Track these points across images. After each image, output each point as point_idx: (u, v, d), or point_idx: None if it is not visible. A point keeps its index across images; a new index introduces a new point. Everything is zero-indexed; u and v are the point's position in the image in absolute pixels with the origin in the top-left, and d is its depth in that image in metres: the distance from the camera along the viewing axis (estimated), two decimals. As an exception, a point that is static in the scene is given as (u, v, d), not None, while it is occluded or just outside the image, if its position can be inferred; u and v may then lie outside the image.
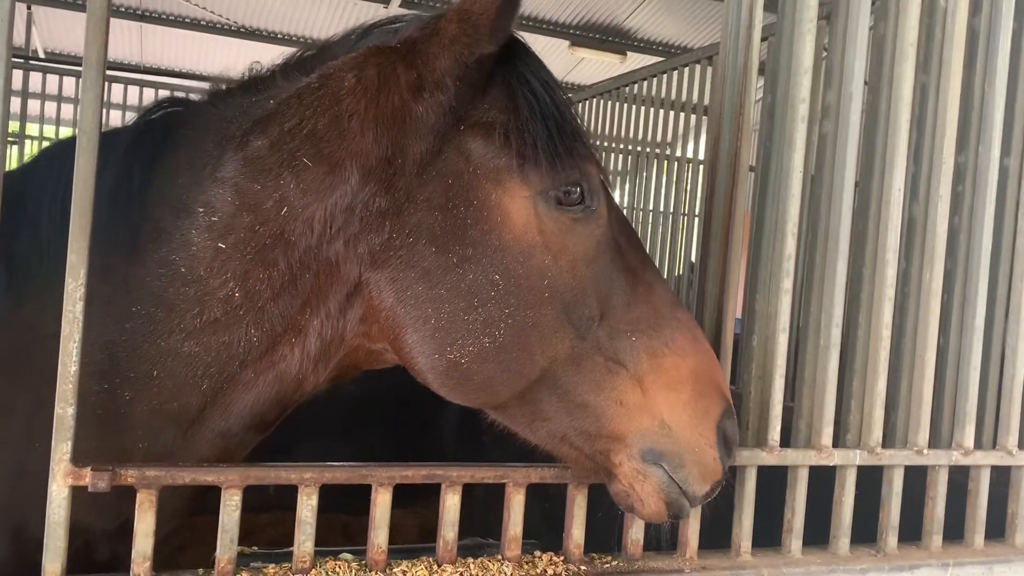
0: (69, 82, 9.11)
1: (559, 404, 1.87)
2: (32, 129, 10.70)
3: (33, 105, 9.62)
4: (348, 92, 1.88)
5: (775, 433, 2.25)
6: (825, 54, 2.43)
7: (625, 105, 6.80)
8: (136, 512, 1.76)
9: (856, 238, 2.41)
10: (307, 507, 1.88)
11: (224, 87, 2.12)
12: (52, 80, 9.10)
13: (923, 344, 2.43)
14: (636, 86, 6.71)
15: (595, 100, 7.27)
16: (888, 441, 2.46)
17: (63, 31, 14.00)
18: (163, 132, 2.05)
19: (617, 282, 1.90)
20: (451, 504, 1.99)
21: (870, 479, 2.44)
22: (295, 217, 1.87)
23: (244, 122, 1.96)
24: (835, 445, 2.35)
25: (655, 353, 1.86)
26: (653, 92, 6.46)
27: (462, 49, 1.81)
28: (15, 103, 8.84)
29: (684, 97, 6.22)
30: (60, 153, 2.14)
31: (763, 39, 2.37)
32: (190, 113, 2.09)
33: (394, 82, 1.87)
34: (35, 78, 9.22)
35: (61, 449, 1.70)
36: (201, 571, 1.84)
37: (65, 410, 1.70)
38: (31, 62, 10.54)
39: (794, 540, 2.31)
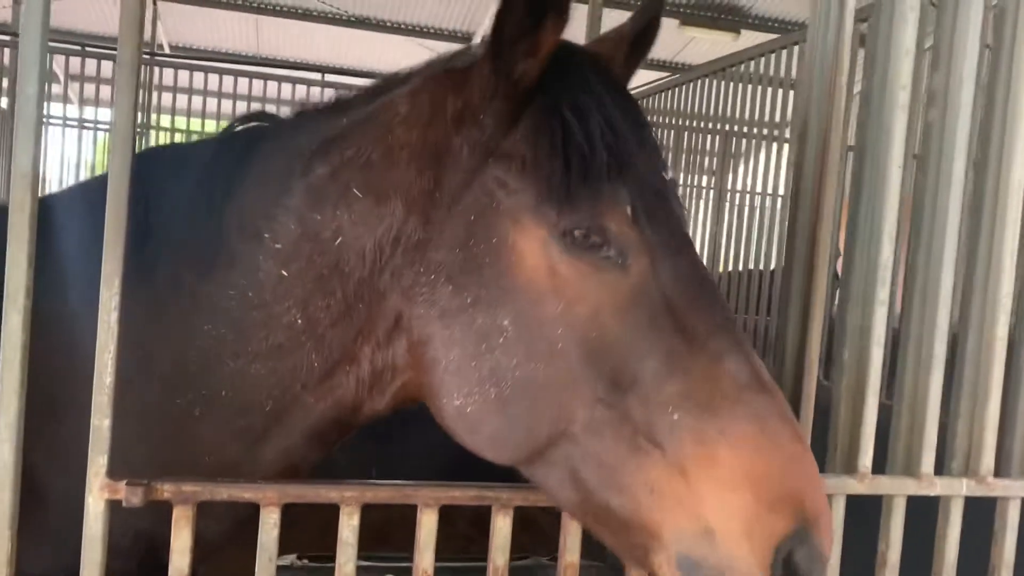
0: (198, 76, 9.45)
1: (583, 477, 1.63)
2: (162, 121, 11.14)
3: (160, 98, 10.03)
4: (401, 122, 1.84)
5: (867, 458, 2.02)
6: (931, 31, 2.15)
7: (733, 85, 6.47)
8: (172, 528, 1.71)
9: (966, 240, 2.14)
10: (348, 527, 1.80)
11: (311, 107, 2.11)
12: (172, 72, 9.46)
13: (1045, 362, 2.14)
14: (746, 65, 6.37)
15: (703, 80, 6.95)
16: (1002, 469, 2.18)
17: (186, 25, 14.58)
18: (245, 148, 2.04)
19: (659, 346, 1.60)
20: (501, 527, 1.87)
21: (977, 508, 2.18)
22: (349, 248, 1.83)
23: (313, 146, 1.93)
24: (938, 472, 2.09)
25: (704, 439, 1.54)
26: (762, 70, 6.11)
27: (488, 76, 1.72)
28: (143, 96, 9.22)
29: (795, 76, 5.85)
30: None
31: (863, 20, 2.11)
32: (273, 131, 2.08)
33: (441, 113, 1.80)
34: (164, 73, 9.61)
35: (97, 462, 1.67)
36: (241, 589, 1.79)
37: (101, 422, 1.67)
38: (157, 57, 11.00)
39: (888, 574, 2.08)
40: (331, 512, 1.81)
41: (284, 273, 1.87)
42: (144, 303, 1.89)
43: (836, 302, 2.19)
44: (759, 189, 6.20)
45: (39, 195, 1.69)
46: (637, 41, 2.01)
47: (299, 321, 1.86)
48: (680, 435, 1.54)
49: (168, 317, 1.94)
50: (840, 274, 2.18)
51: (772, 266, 5.79)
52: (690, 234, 1.81)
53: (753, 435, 1.54)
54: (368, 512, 1.88)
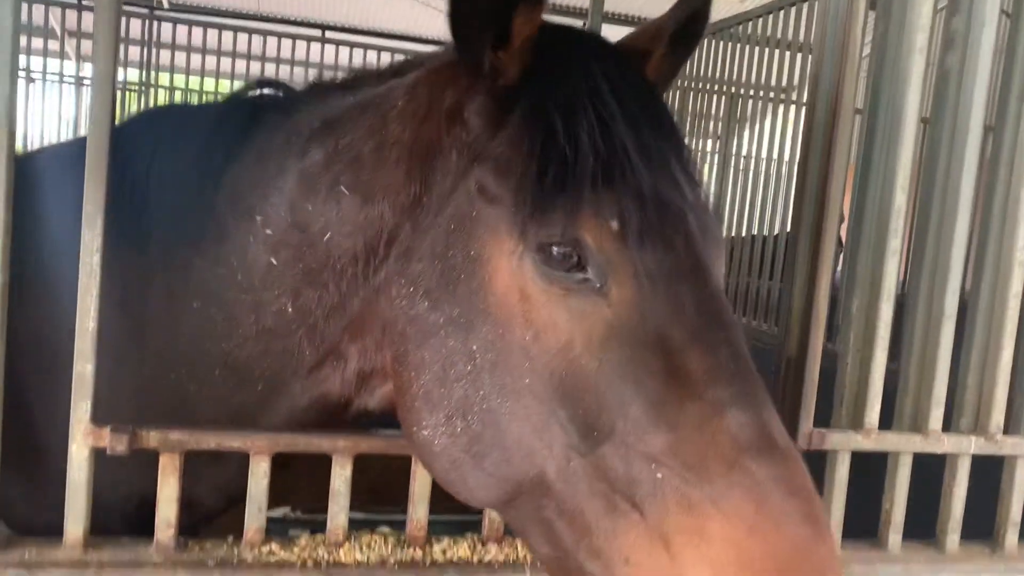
0: (198, 32, 9.30)
1: (557, 534, 1.41)
2: (162, 79, 10.98)
3: (159, 55, 9.88)
4: (397, 116, 1.69)
5: (873, 414, 1.97)
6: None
7: (739, 46, 6.33)
8: (159, 477, 1.67)
9: (981, 192, 2.07)
10: (341, 477, 1.76)
11: (326, 79, 1.97)
12: (171, 28, 9.31)
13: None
14: (752, 24, 6.24)
15: (709, 41, 6.81)
16: (1011, 427, 2.13)
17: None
18: (249, 117, 1.91)
19: (642, 391, 1.33)
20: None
21: (984, 467, 2.13)
22: (338, 246, 1.71)
23: (314, 125, 1.80)
24: (945, 429, 2.04)
25: (691, 507, 1.26)
26: (769, 31, 5.98)
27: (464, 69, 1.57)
28: (135, 52, 9.09)
29: (803, 38, 5.72)
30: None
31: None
32: (280, 102, 1.95)
33: (437, 109, 1.63)
34: (164, 29, 9.45)
35: (81, 408, 1.62)
36: (230, 539, 1.74)
37: (84, 367, 1.62)
38: (156, 12, 10.82)
39: (892, 534, 2.04)
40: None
41: (273, 262, 1.75)
42: (138, 273, 1.83)
43: (839, 267, 2.12)
44: (765, 153, 6.10)
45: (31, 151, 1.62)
46: (679, 35, 1.74)
47: (289, 310, 1.75)
48: (663, 498, 1.28)
49: (160, 289, 1.85)
50: (844, 240, 2.11)
51: (776, 231, 5.71)
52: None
53: (750, 511, 1.24)
54: (366, 465, 1.84)
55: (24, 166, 1.74)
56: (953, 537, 2.09)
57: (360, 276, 1.69)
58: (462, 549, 1.82)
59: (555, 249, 1.39)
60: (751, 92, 6.29)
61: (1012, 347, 2.04)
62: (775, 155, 5.82)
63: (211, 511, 2.00)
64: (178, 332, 1.84)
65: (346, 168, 1.70)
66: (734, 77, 6.28)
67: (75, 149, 1.79)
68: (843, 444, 1.97)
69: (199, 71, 9.34)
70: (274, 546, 1.73)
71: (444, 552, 1.81)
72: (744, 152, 6.30)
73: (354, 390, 1.79)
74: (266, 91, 2.01)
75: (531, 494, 1.43)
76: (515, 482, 1.43)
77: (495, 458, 1.45)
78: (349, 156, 1.70)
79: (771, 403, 1.37)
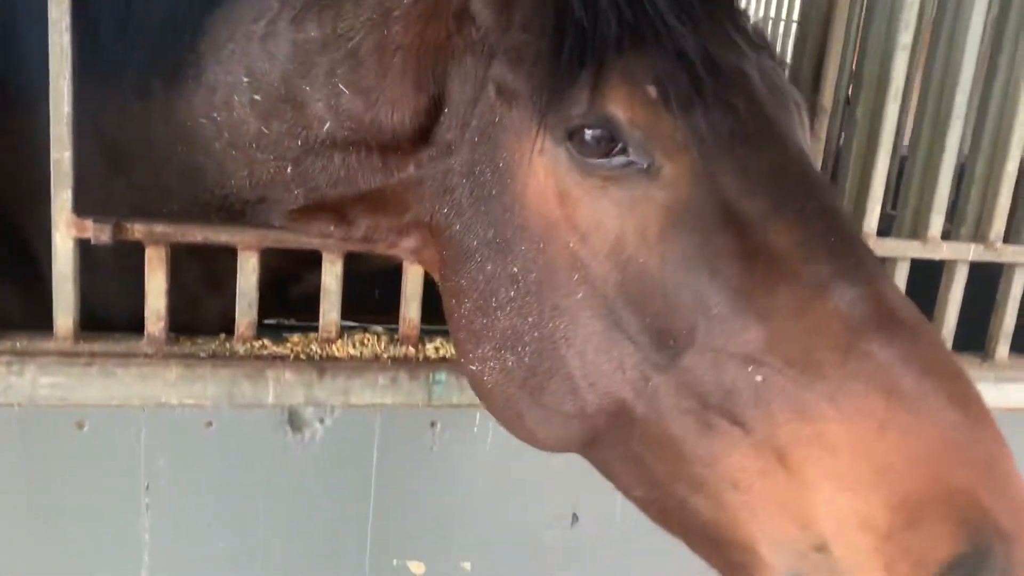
0: None
1: (649, 467, 1.23)
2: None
3: None
4: (401, 16, 1.43)
5: (873, 219, 1.93)
6: None
7: None
8: (146, 270, 1.64)
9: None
10: (331, 274, 1.73)
11: None
12: None
13: (1071, 121, 2.01)
14: None
15: None
16: (1012, 236, 2.10)
17: None
18: None
19: (722, 280, 1.13)
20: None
21: (983, 276, 2.12)
22: (343, 139, 1.53)
23: None
24: (946, 237, 2.01)
25: (805, 411, 1.06)
26: None
27: None
28: None
29: None
30: None
31: None
32: None
33: (445, 5, 1.40)
34: None
35: (61, 198, 1.57)
36: (222, 335, 1.74)
37: (62, 154, 1.56)
38: None
39: (885, 341, 2.04)
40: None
41: (265, 131, 1.58)
42: (114, 100, 1.73)
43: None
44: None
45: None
46: None
47: (288, 171, 1.59)
48: (767, 405, 1.08)
49: (141, 124, 1.73)
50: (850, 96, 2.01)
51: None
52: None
53: (879, 404, 1.02)
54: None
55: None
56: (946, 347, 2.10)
57: (377, 164, 1.52)
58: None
59: (587, 133, 1.21)
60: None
61: (1020, 150, 1.98)
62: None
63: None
64: (165, 170, 1.74)
65: (343, 62, 1.49)
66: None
67: None
68: (841, 249, 1.94)
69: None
70: (266, 341, 1.73)
71: (437, 350, 1.81)
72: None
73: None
74: None
75: (609, 429, 1.26)
76: (585, 417, 1.26)
77: (556, 391, 1.28)
78: (346, 49, 1.49)
79: (886, 275, 1.17)
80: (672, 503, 1.22)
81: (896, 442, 1.01)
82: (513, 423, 1.40)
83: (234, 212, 1.72)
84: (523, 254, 1.29)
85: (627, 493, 1.33)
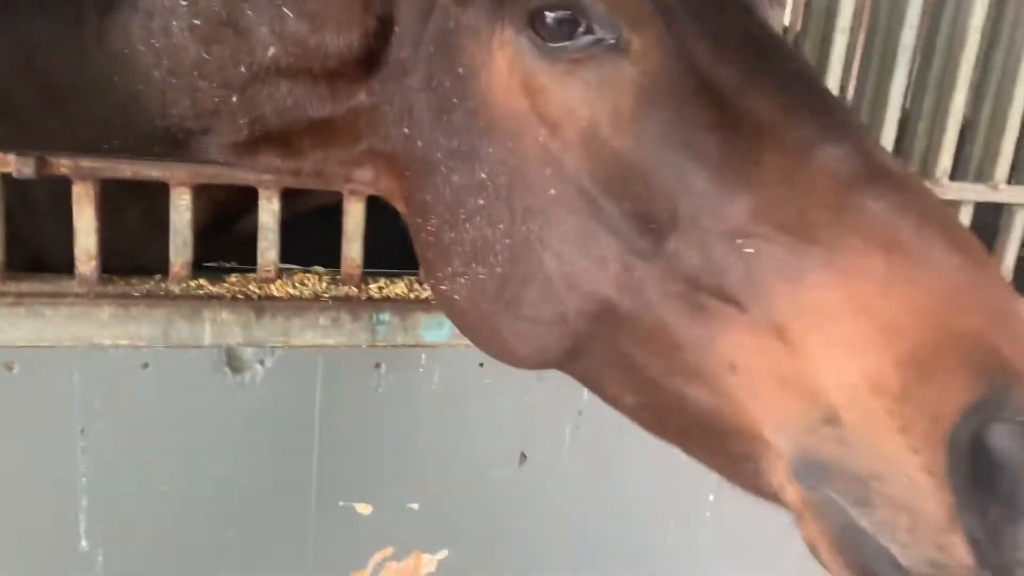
0: None
1: (640, 368, 1.17)
2: None
3: None
4: None
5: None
6: None
7: None
8: (74, 206, 1.59)
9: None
10: (268, 212, 1.69)
11: None
12: None
13: (1017, 55, 2.01)
14: None
15: None
16: (959, 173, 2.11)
17: None
18: None
19: (704, 151, 1.08)
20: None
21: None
22: (289, 65, 1.47)
23: None
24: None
25: (802, 277, 1.00)
26: None
27: None
28: None
29: None
30: None
31: None
32: None
33: None
34: None
35: (-19, 131, 1.51)
36: (158, 277, 1.69)
37: (-20, 86, 1.50)
38: None
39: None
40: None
41: (205, 56, 1.52)
42: (45, 30, 1.66)
43: None
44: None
45: None
46: None
47: (234, 100, 1.54)
48: (761, 278, 1.02)
49: (75, 53, 1.65)
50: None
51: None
52: None
53: (878, 258, 0.96)
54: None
55: None
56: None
57: (324, 92, 1.49)
58: (399, 288, 1.80)
59: (548, 16, 1.15)
60: None
61: (967, 86, 1.97)
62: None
63: None
64: (104, 103, 1.66)
65: None
66: None
67: None
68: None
69: None
70: (203, 280, 1.69)
71: (380, 289, 1.78)
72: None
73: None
74: None
75: (593, 334, 1.20)
76: (567, 323, 1.21)
77: (534, 299, 1.22)
78: None
79: (869, 133, 1.13)
80: (667, 402, 1.16)
81: (900, 297, 0.95)
82: (490, 341, 1.35)
83: (178, 144, 1.65)
84: (491, 157, 1.24)
85: (616, 403, 1.28)
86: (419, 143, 1.35)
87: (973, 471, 0.90)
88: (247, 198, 1.71)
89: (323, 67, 1.45)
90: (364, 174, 1.55)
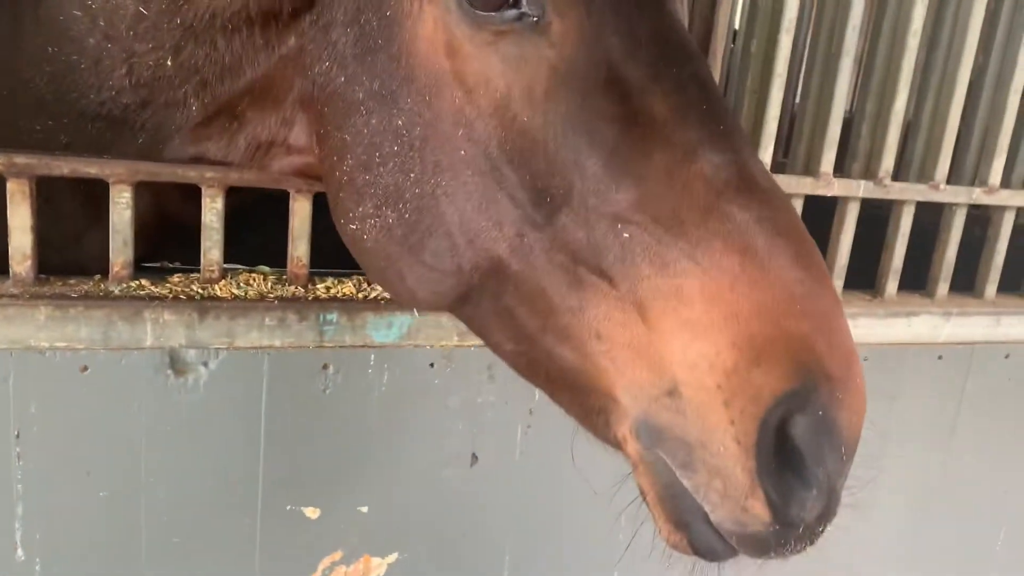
0: None
1: (520, 323, 1.29)
2: None
3: None
4: None
5: (767, 153, 1.94)
6: None
7: None
8: (8, 204, 1.54)
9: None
10: (212, 211, 1.66)
11: None
12: None
13: (956, 59, 2.05)
14: None
15: None
16: (901, 173, 2.15)
17: None
18: None
19: (600, 140, 1.19)
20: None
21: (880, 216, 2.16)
22: (224, 8, 1.46)
23: None
24: (837, 173, 2.04)
25: (667, 266, 1.14)
26: None
27: None
28: None
29: None
30: None
31: None
32: None
33: None
34: None
35: (-92, 126, 1.46)
36: (97, 277, 1.65)
37: (-93, 80, 1.44)
38: None
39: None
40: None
41: (143, 11, 1.51)
42: None
43: None
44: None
45: None
46: None
47: (169, 64, 1.53)
48: (633, 261, 1.16)
49: (5, 22, 1.64)
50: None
51: None
52: None
53: (733, 261, 1.11)
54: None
55: None
56: (836, 283, 2.14)
57: (259, 41, 1.49)
58: (347, 287, 1.77)
59: None
60: None
61: (908, 88, 2.01)
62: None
63: None
64: (36, 76, 1.63)
65: None
66: None
67: None
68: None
69: None
70: (144, 281, 1.65)
71: (328, 289, 1.75)
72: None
73: (243, 156, 1.63)
74: None
75: (484, 286, 1.30)
76: (462, 273, 1.30)
77: (435, 248, 1.31)
78: None
79: (750, 144, 1.24)
80: (540, 355, 1.29)
81: (745, 293, 1.11)
82: (393, 283, 1.42)
83: (114, 121, 1.62)
84: (408, 107, 1.29)
85: (497, 348, 1.40)
86: (341, 78, 1.37)
87: (776, 447, 1.09)
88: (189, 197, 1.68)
89: (259, 8, 1.45)
90: (298, 137, 1.56)
